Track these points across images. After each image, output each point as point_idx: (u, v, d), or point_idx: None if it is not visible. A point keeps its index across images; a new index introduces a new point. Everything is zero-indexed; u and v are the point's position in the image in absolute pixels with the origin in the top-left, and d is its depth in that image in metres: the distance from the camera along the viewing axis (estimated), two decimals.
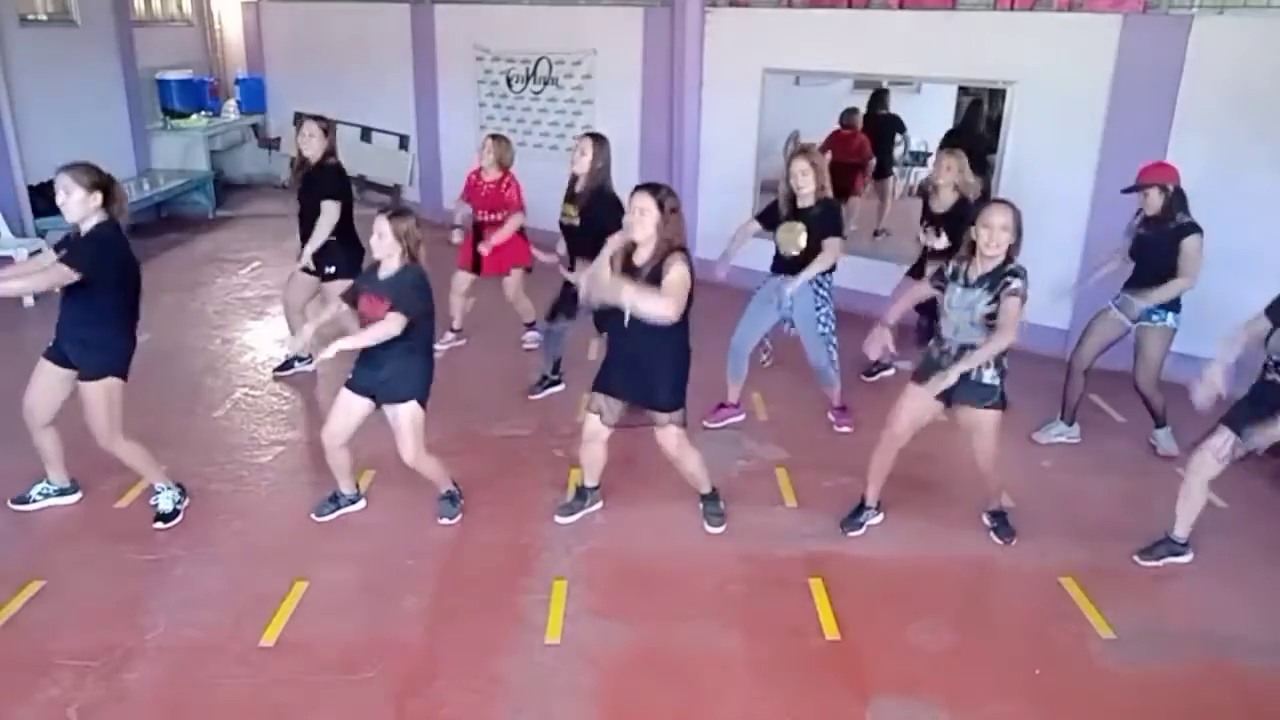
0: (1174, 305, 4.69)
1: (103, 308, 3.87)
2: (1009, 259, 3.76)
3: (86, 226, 3.78)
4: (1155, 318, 4.72)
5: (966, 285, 3.83)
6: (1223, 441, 3.77)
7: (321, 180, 5.30)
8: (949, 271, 3.93)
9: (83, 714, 3.12)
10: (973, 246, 3.81)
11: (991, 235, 3.70)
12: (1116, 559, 4.06)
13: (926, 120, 8.59)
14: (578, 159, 5.08)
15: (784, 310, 5.00)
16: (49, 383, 4.02)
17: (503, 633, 3.56)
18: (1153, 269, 4.67)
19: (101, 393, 3.93)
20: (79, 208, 3.75)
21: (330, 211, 5.26)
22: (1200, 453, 3.87)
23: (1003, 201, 3.87)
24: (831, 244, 4.77)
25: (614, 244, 4.00)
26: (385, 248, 3.83)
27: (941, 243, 5.28)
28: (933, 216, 5.50)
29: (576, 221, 5.09)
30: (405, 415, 3.96)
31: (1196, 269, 4.54)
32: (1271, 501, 4.55)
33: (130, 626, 3.53)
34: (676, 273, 3.63)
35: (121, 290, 3.90)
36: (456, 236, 5.99)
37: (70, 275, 3.71)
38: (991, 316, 3.74)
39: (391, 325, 3.77)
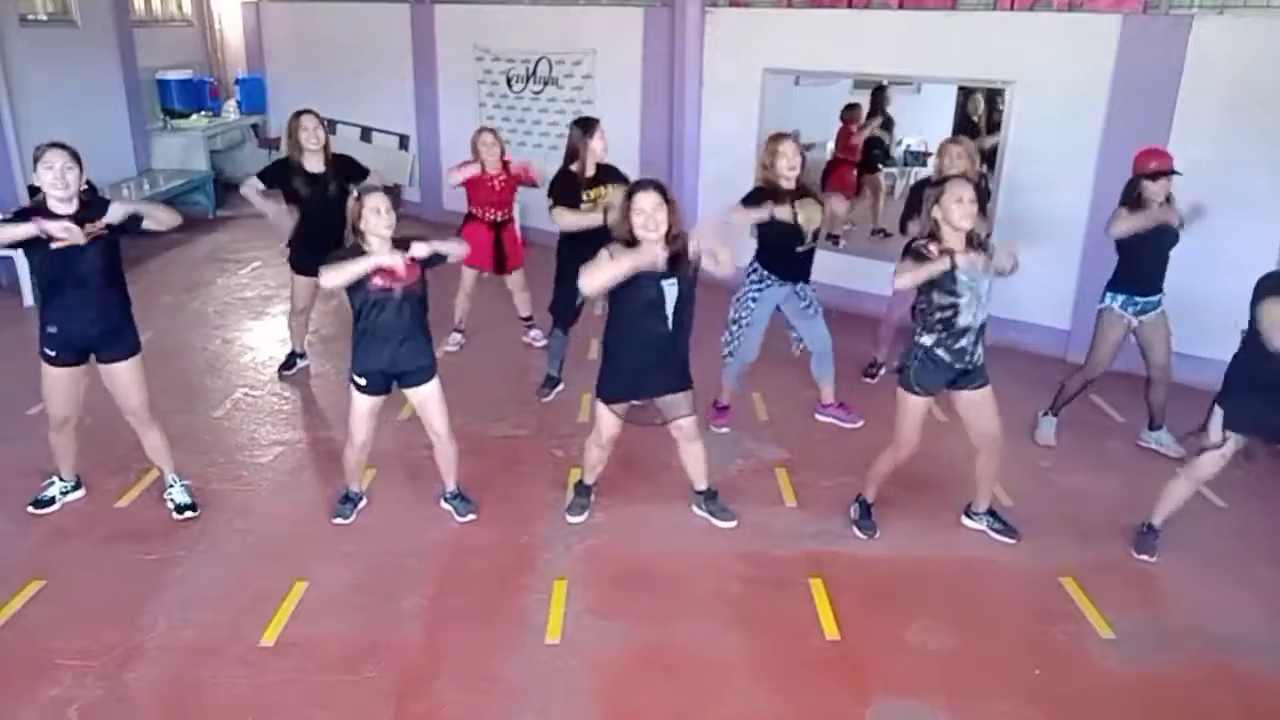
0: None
1: (120, 279, 3.98)
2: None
3: (75, 202, 3.83)
4: (1160, 303, 4.76)
5: (969, 275, 3.81)
6: (1222, 444, 3.80)
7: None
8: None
9: (83, 714, 3.12)
10: (933, 233, 3.82)
11: (963, 209, 3.76)
12: (1116, 559, 4.06)
13: (927, 120, 8.57)
14: (603, 143, 5.08)
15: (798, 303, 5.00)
16: (76, 388, 4.05)
17: (503, 633, 3.56)
18: (1161, 264, 4.67)
19: (140, 367, 4.08)
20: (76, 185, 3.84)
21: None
22: (1202, 457, 3.88)
23: (959, 176, 4.06)
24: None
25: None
26: (391, 222, 3.78)
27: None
28: None
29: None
30: (435, 389, 4.06)
31: None
32: (1271, 501, 4.54)
33: (130, 626, 3.53)
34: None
35: None
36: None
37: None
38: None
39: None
